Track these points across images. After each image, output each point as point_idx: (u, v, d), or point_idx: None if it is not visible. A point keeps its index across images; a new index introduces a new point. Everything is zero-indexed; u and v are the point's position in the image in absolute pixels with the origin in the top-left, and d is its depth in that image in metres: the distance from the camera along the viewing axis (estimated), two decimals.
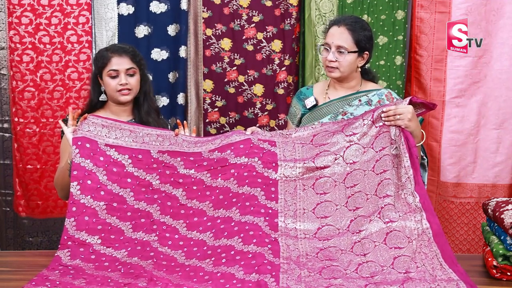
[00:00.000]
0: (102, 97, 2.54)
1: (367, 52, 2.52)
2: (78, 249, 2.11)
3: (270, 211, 2.21)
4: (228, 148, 2.34)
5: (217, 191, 2.28)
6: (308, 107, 2.61)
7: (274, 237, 2.14)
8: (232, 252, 2.08)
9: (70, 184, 2.19)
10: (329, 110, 2.56)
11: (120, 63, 2.49)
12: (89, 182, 2.20)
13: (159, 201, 2.26)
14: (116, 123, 2.33)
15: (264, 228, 2.16)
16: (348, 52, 2.46)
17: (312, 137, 2.36)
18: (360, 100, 2.53)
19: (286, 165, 2.30)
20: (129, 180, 2.26)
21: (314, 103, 2.60)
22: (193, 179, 2.30)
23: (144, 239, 2.18)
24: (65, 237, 2.12)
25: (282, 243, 2.12)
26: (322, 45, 2.54)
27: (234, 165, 2.30)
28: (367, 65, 2.61)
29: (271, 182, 2.27)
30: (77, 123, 2.32)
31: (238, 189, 2.26)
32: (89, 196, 2.18)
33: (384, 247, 2.04)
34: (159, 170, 2.30)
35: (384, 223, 2.10)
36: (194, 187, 2.29)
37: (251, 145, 2.33)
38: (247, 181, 2.27)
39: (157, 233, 2.20)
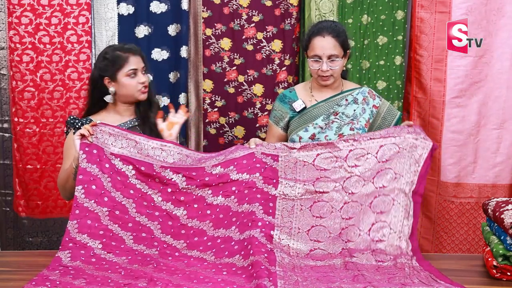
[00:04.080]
0: (109, 98, 2.51)
1: (348, 50, 2.63)
2: (79, 251, 2.11)
3: (267, 222, 2.24)
4: (232, 163, 2.35)
5: (218, 209, 2.30)
6: (297, 110, 2.65)
7: (270, 247, 2.17)
8: (234, 269, 2.11)
9: (75, 188, 2.20)
10: (320, 112, 2.63)
11: (137, 61, 2.50)
12: (93, 187, 2.21)
13: (160, 220, 2.28)
14: (123, 132, 2.33)
15: (261, 239, 2.18)
16: (341, 58, 2.56)
17: (315, 157, 2.35)
18: (347, 100, 2.63)
19: (286, 183, 2.32)
20: (131, 191, 2.27)
21: (303, 106, 2.64)
22: (194, 196, 2.31)
23: (145, 252, 2.19)
24: (67, 239, 2.13)
25: (278, 254, 2.16)
26: (308, 57, 2.59)
27: (236, 182, 2.32)
28: None
29: (270, 197, 2.30)
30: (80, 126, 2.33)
31: (238, 208, 2.28)
32: (92, 201, 2.19)
33: (377, 273, 2.08)
34: (161, 187, 2.31)
35: (375, 261, 2.16)
36: (195, 205, 2.31)
37: (254, 159, 2.35)
38: (247, 198, 2.29)
39: (158, 249, 2.21)
